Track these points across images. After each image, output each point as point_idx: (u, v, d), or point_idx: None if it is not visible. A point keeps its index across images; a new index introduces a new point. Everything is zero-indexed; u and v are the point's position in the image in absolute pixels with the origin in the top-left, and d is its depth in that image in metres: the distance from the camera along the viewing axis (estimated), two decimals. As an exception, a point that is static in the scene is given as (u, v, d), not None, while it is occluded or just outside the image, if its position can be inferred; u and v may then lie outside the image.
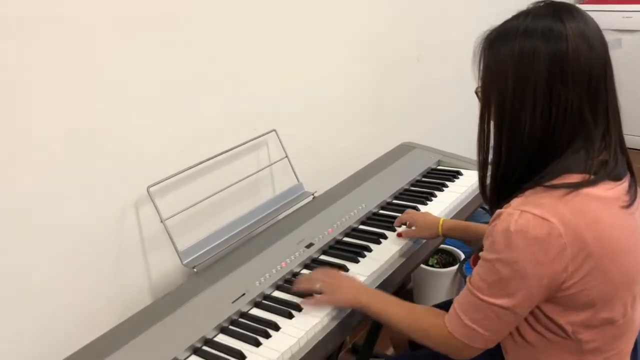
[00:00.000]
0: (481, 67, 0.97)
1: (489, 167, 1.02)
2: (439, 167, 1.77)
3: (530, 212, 0.89)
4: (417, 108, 2.29)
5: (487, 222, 1.48)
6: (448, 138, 2.49)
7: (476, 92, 1.01)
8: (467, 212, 1.60)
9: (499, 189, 1.00)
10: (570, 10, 0.93)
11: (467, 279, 1.00)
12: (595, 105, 0.92)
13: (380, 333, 1.66)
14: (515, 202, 0.92)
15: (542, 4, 0.96)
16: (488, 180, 1.03)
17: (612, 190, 0.92)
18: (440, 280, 2.17)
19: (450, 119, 2.52)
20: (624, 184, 0.95)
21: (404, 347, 1.44)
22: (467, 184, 1.64)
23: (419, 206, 1.54)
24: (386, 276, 1.30)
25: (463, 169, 1.73)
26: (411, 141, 1.94)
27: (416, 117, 2.30)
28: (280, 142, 1.61)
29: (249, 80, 1.56)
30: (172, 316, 1.17)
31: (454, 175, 1.69)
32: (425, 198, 1.57)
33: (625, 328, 0.97)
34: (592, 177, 0.91)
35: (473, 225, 1.37)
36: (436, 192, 1.60)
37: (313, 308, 1.17)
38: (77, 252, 1.24)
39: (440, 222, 1.37)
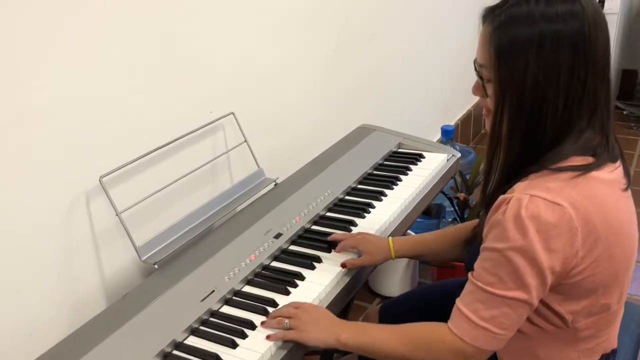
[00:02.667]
0: (492, 53, 0.90)
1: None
2: (400, 150, 1.73)
3: (540, 197, 0.85)
4: (372, 88, 2.24)
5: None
6: (402, 118, 2.47)
7: (476, 69, 0.95)
8: (432, 195, 1.57)
9: (501, 181, 0.95)
10: None
11: (470, 276, 0.95)
12: (603, 84, 0.90)
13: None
14: (520, 186, 0.88)
15: None
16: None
17: (613, 173, 0.91)
18: (394, 264, 2.15)
19: (403, 99, 2.50)
20: (621, 166, 0.93)
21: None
22: (430, 166, 1.61)
23: (386, 190, 1.50)
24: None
25: (424, 151, 1.70)
26: (369, 123, 1.89)
27: (373, 98, 2.25)
28: (239, 125, 1.51)
29: (201, 62, 1.45)
30: (136, 318, 1.06)
31: (416, 158, 1.66)
32: (391, 182, 1.53)
33: (617, 313, 0.97)
34: (596, 159, 0.89)
35: (426, 237, 1.30)
36: (401, 176, 1.56)
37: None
38: (19, 251, 1.10)
39: (391, 244, 1.25)
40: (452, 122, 3.05)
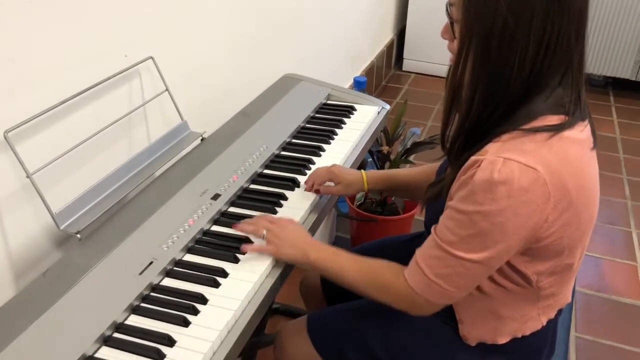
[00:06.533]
0: None
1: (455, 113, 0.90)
2: (330, 102, 1.64)
3: (514, 160, 0.80)
4: (290, 32, 2.11)
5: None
6: (316, 66, 2.37)
7: (447, 9, 0.87)
8: (366, 149, 1.51)
9: (466, 137, 0.89)
10: None
11: (432, 230, 0.91)
12: (578, 37, 0.85)
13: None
14: (493, 148, 0.83)
15: None
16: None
17: (583, 132, 0.88)
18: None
19: (319, 46, 2.40)
20: (589, 124, 0.91)
21: (317, 301, 1.33)
22: (364, 120, 1.54)
23: (324, 145, 1.41)
24: (310, 225, 1.17)
25: (355, 103, 1.63)
26: (289, 71, 1.78)
27: (292, 44, 2.12)
28: (159, 71, 1.34)
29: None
30: (65, 298, 0.91)
31: (348, 111, 1.58)
32: (328, 137, 1.44)
33: (576, 270, 0.98)
34: (569, 118, 0.85)
35: (398, 173, 1.27)
36: (337, 130, 1.48)
37: (253, 254, 1.04)
38: None
39: (364, 177, 1.23)
40: (358, 73, 3.00)
